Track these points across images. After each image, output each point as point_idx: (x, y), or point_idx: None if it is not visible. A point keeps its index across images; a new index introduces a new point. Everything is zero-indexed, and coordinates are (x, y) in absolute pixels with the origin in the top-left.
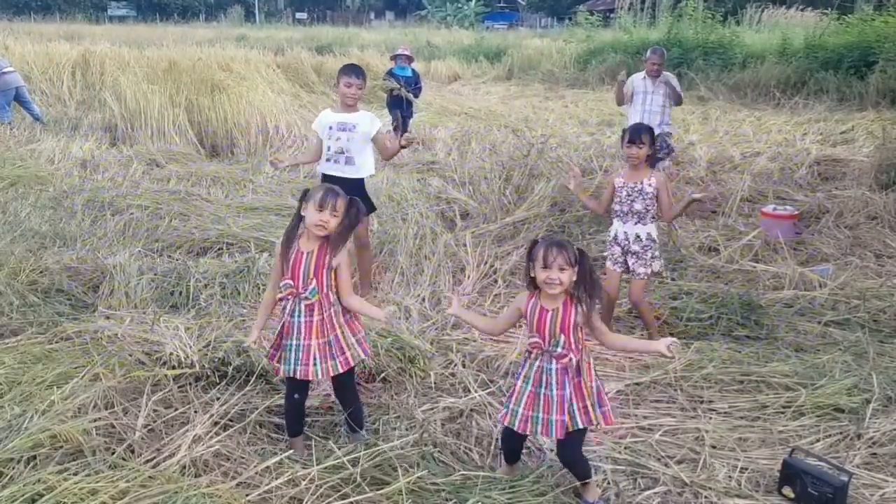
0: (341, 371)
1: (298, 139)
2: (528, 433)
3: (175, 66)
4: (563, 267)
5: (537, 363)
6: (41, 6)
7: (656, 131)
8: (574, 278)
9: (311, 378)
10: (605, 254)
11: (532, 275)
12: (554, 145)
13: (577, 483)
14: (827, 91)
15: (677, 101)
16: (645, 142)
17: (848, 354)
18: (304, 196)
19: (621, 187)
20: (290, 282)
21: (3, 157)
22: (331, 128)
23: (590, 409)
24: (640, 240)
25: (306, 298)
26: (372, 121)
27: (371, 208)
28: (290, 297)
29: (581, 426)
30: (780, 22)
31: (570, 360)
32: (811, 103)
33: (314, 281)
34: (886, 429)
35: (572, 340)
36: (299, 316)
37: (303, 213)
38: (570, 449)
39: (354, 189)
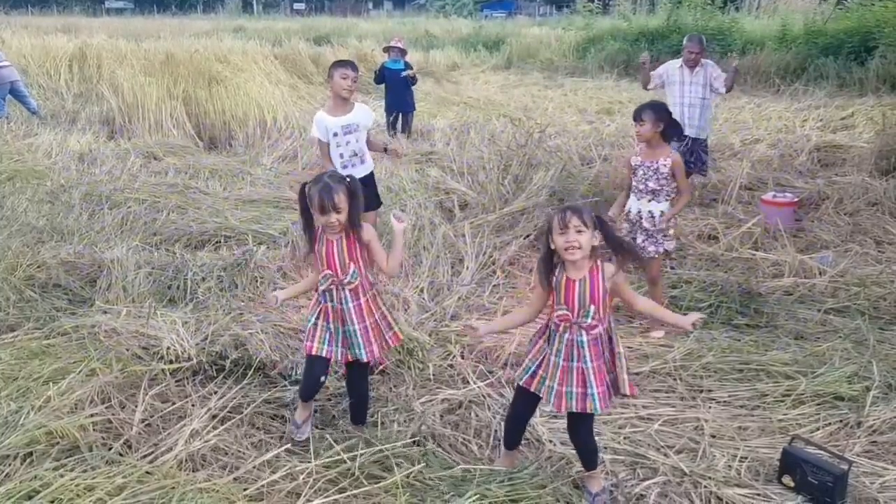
0: (391, 345)
1: (296, 131)
2: (562, 410)
3: (172, 58)
4: (581, 228)
5: (567, 336)
6: None
7: (694, 132)
8: (594, 242)
9: (377, 357)
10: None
11: (552, 246)
12: (553, 134)
13: (581, 474)
14: (827, 77)
15: (728, 87)
16: (646, 119)
17: (848, 342)
18: (303, 195)
19: (638, 165)
20: (329, 271)
21: (0, 151)
22: (336, 134)
23: (620, 376)
24: (653, 217)
25: (349, 283)
26: (367, 113)
27: (379, 202)
28: (332, 286)
29: (618, 393)
30: (779, 8)
31: (600, 330)
32: (811, 89)
33: (352, 264)
34: (886, 417)
35: (601, 309)
36: (347, 302)
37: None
38: (585, 427)
39: (370, 183)
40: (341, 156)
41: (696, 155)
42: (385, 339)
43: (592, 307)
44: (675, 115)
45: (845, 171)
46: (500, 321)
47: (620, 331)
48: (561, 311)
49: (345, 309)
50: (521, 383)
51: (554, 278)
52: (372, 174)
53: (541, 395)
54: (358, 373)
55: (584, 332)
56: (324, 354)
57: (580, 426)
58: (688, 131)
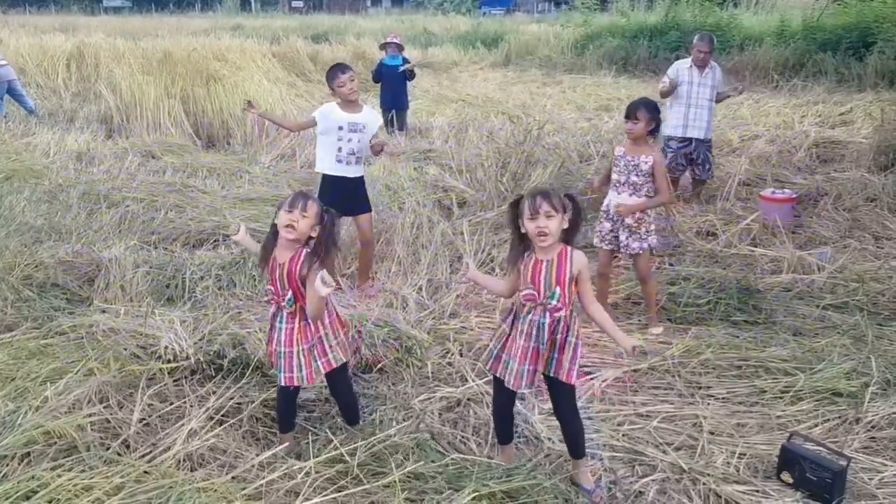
0: (324, 373)
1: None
2: (520, 389)
3: (170, 56)
4: (550, 213)
5: (530, 317)
6: None
7: (700, 133)
8: (565, 226)
9: (295, 384)
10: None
11: (522, 230)
12: (551, 131)
13: (572, 471)
14: (825, 73)
15: (719, 99)
16: (640, 118)
17: (846, 338)
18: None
19: (620, 157)
20: (272, 288)
21: None
22: (341, 128)
23: (564, 362)
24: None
25: (286, 307)
26: (376, 119)
27: (367, 207)
28: (272, 302)
29: (555, 375)
30: (777, 4)
31: (562, 314)
32: (809, 85)
33: (290, 291)
34: (885, 412)
35: (566, 294)
36: (282, 322)
37: (275, 222)
38: (564, 400)
39: (358, 186)
40: (339, 150)
41: (701, 156)
42: (317, 363)
43: (558, 289)
44: (681, 116)
45: (844, 167)
46: (486, 278)
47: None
48: (527, 291)
49: (278, 328)
50: (487, 368)
51: (522, 260)
52: (363, 179)
53: (503, 379)
54: (336, 379)
55: (547, 314)
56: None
57: (560, 398)
58: (693, 133)
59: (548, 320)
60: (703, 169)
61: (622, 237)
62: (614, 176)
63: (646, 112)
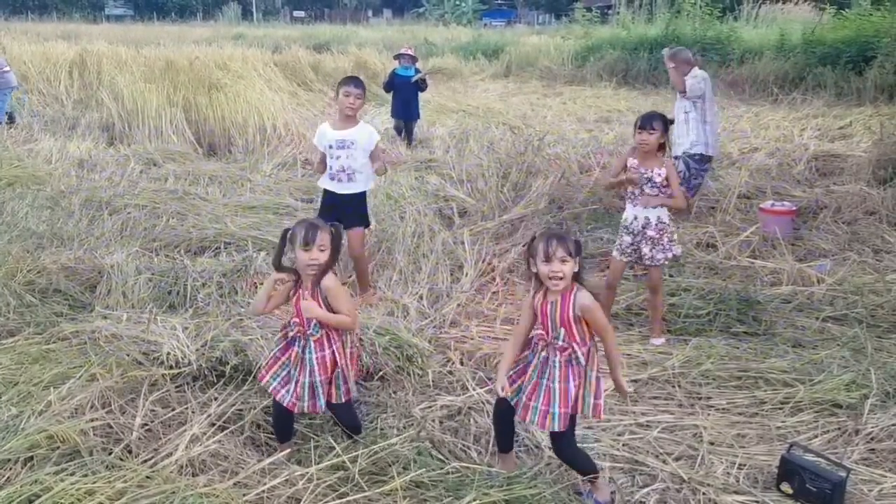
0: (342, 400)
1: (296, 138)
2: (525, 421)
3: (172, 65)
4: (565, 258)
5: (543, 354)
6: (38, 5)
7: (678, 150)
8: (576, 269)
9: (317, 411)
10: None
11: (534, 270)
12: (551, 142)
13: (580, 479)
14: (825, 86)
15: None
16: (657, 128)
17: (846, 350)
18: (286, 237)
19: (634, 168)
20: (297, 320)
21: (1, 157)
22: (331, 146)
23: (582, 398)
24: (653, 223)
25: (312, 335)
26: (371, 135)
27: (366, 223)
28: (299, 335)
29: (577, 412)
30: (777, 17)
31: (574, 352)
32: (809, 99)
33: (314, 318)
34: (884, 424)
35: (574, 332)
36: (311, 353)
37: (289, 254)
38: (565, 443)
39: (356, 202)
40: (330, 167)
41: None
42: (339, 392)
43: (562, 330)
44: (709, 130)
45: (843, 180)
46: (509, 357)
47: (620, 338)
48: (537, 331)
49: (307, 359)
50: (502, 392)
51: (538, 297)
52: (362, 195)
53: (513, 404)
54: (341, 411)
55: (557, 353)
56: (286, 405)
57: (559, 443)
58: (713, 151)
59: (559, 359)
60: (687, 185)
61: (645, 250)
62: (630, 189)
63: (661, 123)
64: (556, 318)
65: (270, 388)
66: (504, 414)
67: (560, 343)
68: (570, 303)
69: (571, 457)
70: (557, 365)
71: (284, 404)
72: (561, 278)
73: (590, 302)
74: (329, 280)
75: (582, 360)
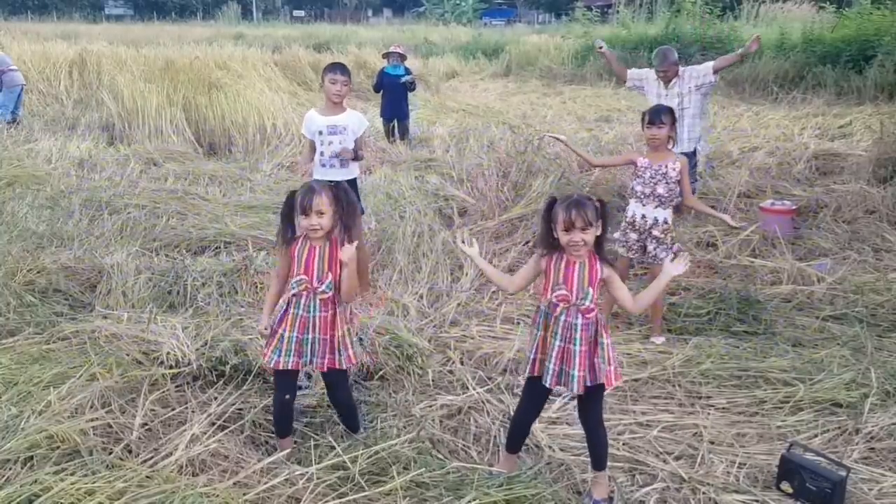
0: (345, 366)
1: (296, 137)
2: (559, 386)
3: (172, 64)
4: (585, 227)
5: (563, 317)
6: (38, 5)
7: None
8: (598, 233)
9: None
10: (616, 237)
11: (555, 236)
12: (551, 141)
13: (586, 477)
14: (825, 85)
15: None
16: (665, 121)
17: (846, 349)
18: (289, 201)
19: (645, 168)
20: (305, 276)
21: (1, 157)
22: (321, 132)
23: (598, 365)
24: (660, 223)
25: (322, 293)
26: (360, 121)
27: (361, 209)
28: (304, 292)
29: (597, 382)
30: (777, 16)
31: (594, 315)
32: (809, 98)
33: (330, 275)
34: (884, 423)
35: (597, 295)
36: (314, 311)
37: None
38: (595, 407)
39: (350, 189)
40: (322, 154)
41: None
42: (340, 357)
43: (591, 290)
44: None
45: (843, 179)
46: (487, 264)
47: (620, 337)
48: (560, 292)
49: (310, 317)
50: (528, 376)
51: (550, 259)
52: (354, 182)
53: (542, 377)
54: (334, 383)
55: (580, 315)
56: (290, 367)
57: (589, 405)
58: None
59: (580, 321)
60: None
61: (650, 247)
62: (638, 188)
63: (670, 116)
64: (585, 279)
65: (272, 363)
66: (528, 412)
67: (587, 304)
68: (597, 263)
69: (597, 423)
70: (578, 328)
71: (289, 367)
72: (583, 245)
73: (609, 269)
74: (348, 254)
75: (602, 319)
